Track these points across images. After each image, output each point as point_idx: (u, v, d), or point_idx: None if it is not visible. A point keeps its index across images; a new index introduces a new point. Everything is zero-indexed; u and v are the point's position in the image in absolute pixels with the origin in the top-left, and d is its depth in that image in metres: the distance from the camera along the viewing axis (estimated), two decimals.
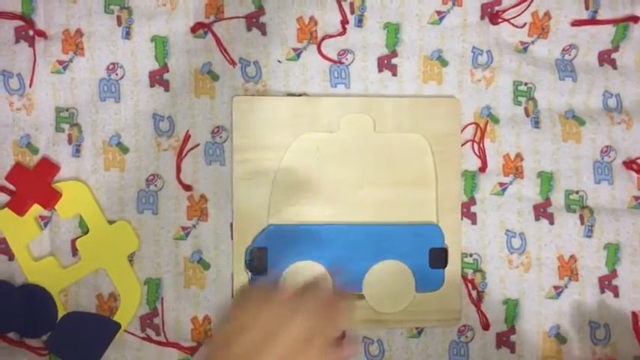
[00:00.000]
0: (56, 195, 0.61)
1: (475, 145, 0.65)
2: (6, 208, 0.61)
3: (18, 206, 0.61)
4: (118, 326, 0.61)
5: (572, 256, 0.65)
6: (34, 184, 0.61)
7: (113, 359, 0.61)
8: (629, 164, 0.66)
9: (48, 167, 0.61)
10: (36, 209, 0.61)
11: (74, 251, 0.62)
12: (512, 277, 0.64)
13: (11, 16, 0.62)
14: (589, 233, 0.65)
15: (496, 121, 0.65)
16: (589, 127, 0.66)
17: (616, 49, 0.67)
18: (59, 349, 0.60)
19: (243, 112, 0.62)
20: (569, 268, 0.65)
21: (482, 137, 0.65)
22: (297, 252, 0.61)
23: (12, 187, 0.61)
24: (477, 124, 0.65)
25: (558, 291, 0.64)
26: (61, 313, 0.61)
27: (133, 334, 0.61)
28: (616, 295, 0.65)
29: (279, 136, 0.62)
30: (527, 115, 0.66)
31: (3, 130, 0.62)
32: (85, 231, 0.62)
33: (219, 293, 0.62)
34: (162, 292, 0.62)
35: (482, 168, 0.65)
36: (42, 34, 0.62)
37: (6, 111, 0.62)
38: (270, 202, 0.62)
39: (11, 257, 0.61)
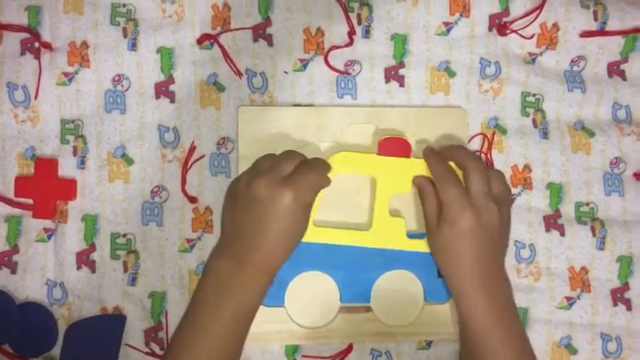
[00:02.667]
0: (71, 183, 0.61)
1: (482, 156, 0.64)
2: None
3: (43, 212, 0.61)
4: (123, 319, 0.60)
5: (583, 268, 0.64)
6: (45, 185, 0.61)
7: None
8: (639, 176, 0.65)
9: (47, 164, 0.61)
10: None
11: (79, 264, 0.61)
12: (521, 286, 0.63)
13: (17, 28, 0.62)
14: (601, 245, 0.64)
15: (504, 131, 0.65)
16: (598, 138, 0.65)
17: (625, 60, 0.66)
18: None
19: (248, 122, 0.62)
20: (580, 280, 0.64)
21: (489, 148, 0.64)
22: (303, 262, 0.60)
23: (25, 200, 0.61)
24: (485, 135, 0.64)
25: (570, 302, 0.64)
26: (61, 330, 0.60)
27: (136, 348, 0.60)
28: (629, 309, 0.64)
29: (285, 146, 0.61)
30: (536, 126, 0.65)
31: (8, 142, 0.62)
32: (91, 243, 0.61)
33: None
34: (166, 305, 0.61)
35: None
36: (48, 46, 0.62)
37: (11, 123, 0.62)
38: None
39: (14, 271, 0.61)
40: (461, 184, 0.55)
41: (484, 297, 0.54)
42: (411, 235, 0.60)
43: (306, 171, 0.54)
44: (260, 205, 0.52)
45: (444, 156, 0.58)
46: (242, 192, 0.54)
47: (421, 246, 0.60)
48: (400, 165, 0.60)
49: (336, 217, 0.61)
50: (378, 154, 0.60)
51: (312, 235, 0.59)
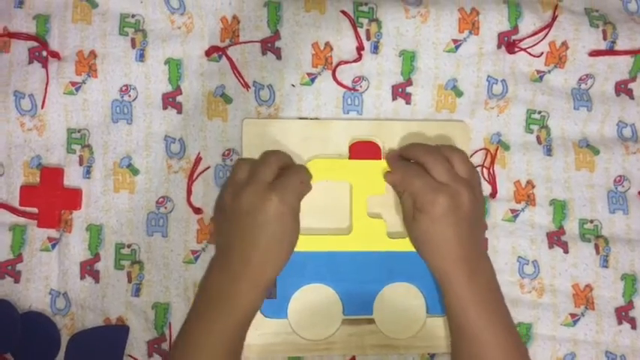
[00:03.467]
0: (77, 193, 0.61)
1: (485, 171, 0.64)
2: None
3: (48, 221, 0.61)
4: (126, 330, 0.60)
5: (587, 285, 0.64)
6: (50, 194, 0.61)
7: None
8: None
9: (52, 173, 0.61)
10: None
11: (82, 274, 0.61)
12: (525, 301, 0.63)
13: (25, 36, 0.62)
14: (605, 263, 0.64)
15: (507, 147, 0.65)
16: (603, 156, 0.65)
17: (633, 79, 0.66)
18: None
19: (253, 134, 0.62)
20: (584, 297, 0.64)
21: (492, 163, 0.64)
22: (306, 275, 0.60)
23: (30, 209, 0.61)
24: (487, 150, 0.64)
25: (575, 319, 0.64)
26: (64, 340, 0.60)
27: None
28: (633, 327, 0.64)
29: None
30: (540, 142, 0.65)
31: (14, 150, 0.62)
32: (95, 253, 0.61)
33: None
34: (170, 317, 0.61)
35: (493, 194, 0.64)
36: (55, 55, 0.62)
37: (17, 132, 0.62)
38: None
39: (17, 280, 0.61)
40: (425, 173, 0.56)
41: (465, 276, 0.55)
42: None
43: (289, 175, 0.56)
44: (247, 216, 0.53)
45: (402, 156, 0.60)
46: (229, 205, 0.55)
47: (404, 245, 0.60)
48: (372, 167, 0.61)
49: (317, 224, 0.61)
50: (350, 158, 0.62)
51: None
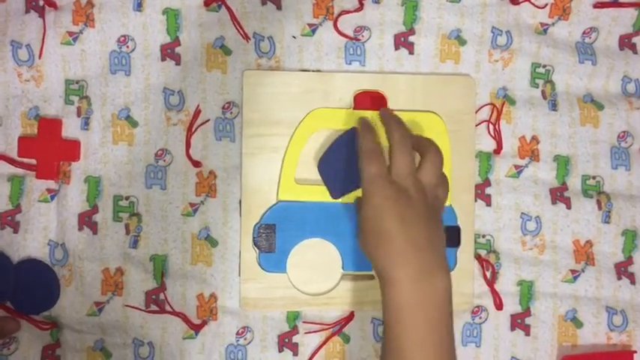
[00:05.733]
0: (75, 144, 0.61)
1: (490, 126, 0.63)
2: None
3: (46, 172, 0.60)
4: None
5: (588, 241, 0.64)
6: (48, 145, 0.60)
7: (115, 337, 0.60)
8: None
9: (50, 124, 0.61)
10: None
11: (80, 225, 0.61)
12: (527, 258, 0.63)
13: None
14: (607, 219, 0.64)
15: (512, 102, 0.64)
16: (607, 111, 0.65)
17: (637, 33, 0.65)
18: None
19: (253, 86, 0.61)
20: (584, 253, 0.64)
21: (498, 118, 0.63)
22: (306, 229, 0.60)
23: (29, 160, 0.61)
24: (493, 105, 0.63)
25: (575, 275, 0.63)
26: (62, 290, 0.60)
27: (137, 308, 0.60)
28: (632, 282, 0.64)
29: (290, 111, 0.61)
30: (545, 97, 0.64)
31: (12, 101, 0.61)
32: (93, 205, 0.61)
33: (226, 271, 0.61)
34: (168, 268, 0.61)
35: (498, 149, 0.63)
36: (52, 4, 0.61)
37: (15, 82, 0.61)
38: (280, 178, 0.60)
39: (16, 230, 0.60)
40: (381, 163, 0.53)
41: (408, 279, 0.49)
42: None
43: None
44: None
45: (375, 128, 0.56)
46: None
47: None
48: (376, 118, 0.58)
49: (316, 174, 0.60)
50: (354, 108, 0.60)
51: (293, 194, 0.59)
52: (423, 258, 0.50)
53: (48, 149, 0.60)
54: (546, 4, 0.64)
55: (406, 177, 0.52)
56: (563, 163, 0.64)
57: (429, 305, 0.49)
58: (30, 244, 0.60)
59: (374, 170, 0.52)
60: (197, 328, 0.61)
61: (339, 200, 0.60)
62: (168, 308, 0.60)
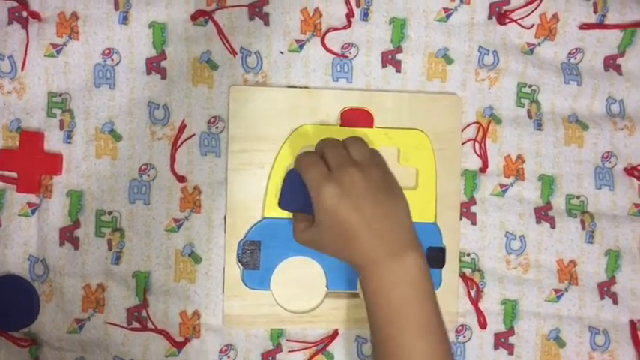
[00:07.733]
0: (57, 158, 0.60)
1: (476, 145, 0.64)
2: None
3: (27, 186, 0.59)
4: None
5: (571, 261, 0.64)
6: (30, 159, 0.59)
7: (96, 354, 0.59)
8: (629, 171, 0.66)
9: (32, 137, 0.60)
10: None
11: (62, 240, 0.60)
12: (511, 277, 0.63)
13: None
14: (590, 239, 0.64)
15: (498, 121, 0.64)
16: (592, 131, 0.65)
17: (622, 54, 0.66)
18: None
19: (240, 101, 0.61)
20: (568, 272, 0.64)
21: (483, 137, 0.64)
22: (291, 247, 0.59)
23: (9, 174, 0.60)
24: (479, 124, 0.64)
25: (559, 294, 0.64)
26: (42, 306, 0.59)
27: (119, 325, 0.59)
28: (615, 302, 0.64)
29: (277, 127, 0.61)
30: (530, 117, 0.65)
31: None
32: (75, 219, 0.60)
33: (210, 287, 0.60)
34: (151, 285, 0.60)
35: (483, 168, 0.64)
36: (36, 15, 0.60)
37: None
38: (266, 195, 0.60)
39: None
40: (318, 166, 0.53)
41: (383, 254, 0.51)
42: None
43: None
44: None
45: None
46: None
47: None
48: (363, 136, 0.59)
49: None
50: (341, 125, 0.61)
51: (279, 211, 0.59)
52: (388, 239, 0.51)
53: (29, 163, 0.59)
54: (533, 25, 0.65)
55: (343, 165, 0.53)
56: (547, 183, 0.64)
57: (403, 284, 0.51)
58: (10, 259, 0.59)
59: (313, 174, 0.53)
60: (180, 346, 0.60)
61: None
62: (150, 325, 0.60)
